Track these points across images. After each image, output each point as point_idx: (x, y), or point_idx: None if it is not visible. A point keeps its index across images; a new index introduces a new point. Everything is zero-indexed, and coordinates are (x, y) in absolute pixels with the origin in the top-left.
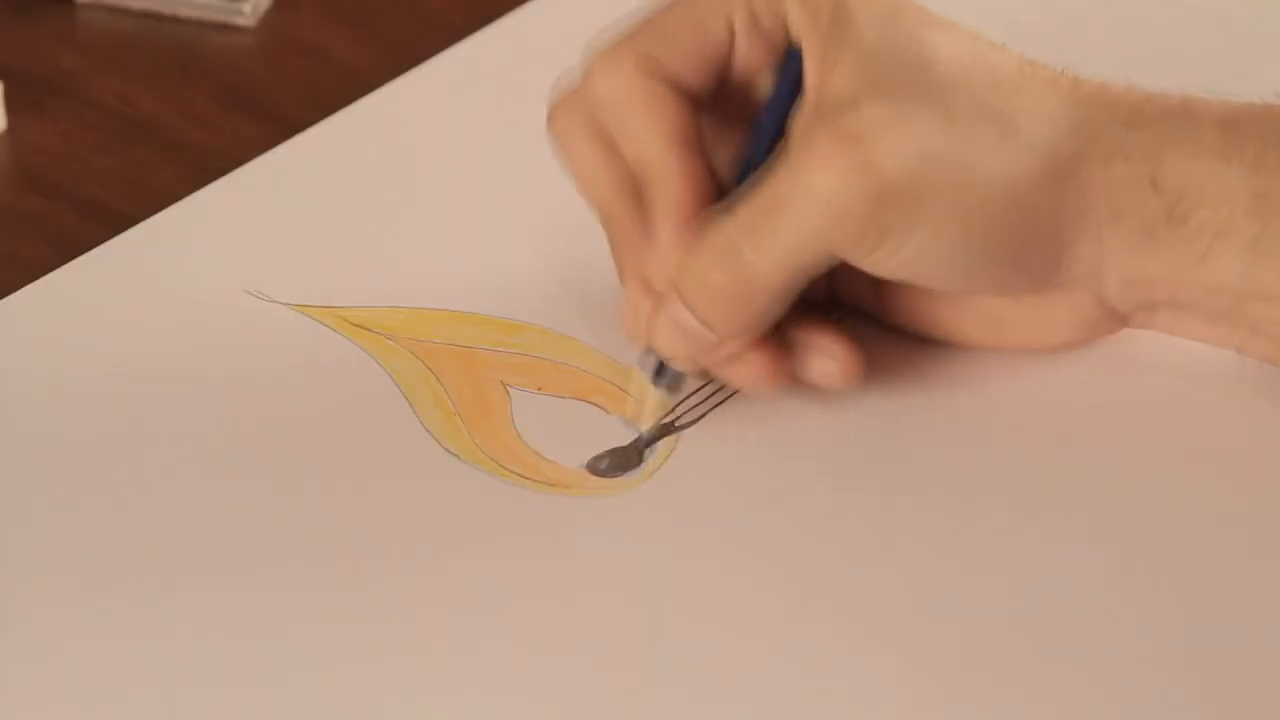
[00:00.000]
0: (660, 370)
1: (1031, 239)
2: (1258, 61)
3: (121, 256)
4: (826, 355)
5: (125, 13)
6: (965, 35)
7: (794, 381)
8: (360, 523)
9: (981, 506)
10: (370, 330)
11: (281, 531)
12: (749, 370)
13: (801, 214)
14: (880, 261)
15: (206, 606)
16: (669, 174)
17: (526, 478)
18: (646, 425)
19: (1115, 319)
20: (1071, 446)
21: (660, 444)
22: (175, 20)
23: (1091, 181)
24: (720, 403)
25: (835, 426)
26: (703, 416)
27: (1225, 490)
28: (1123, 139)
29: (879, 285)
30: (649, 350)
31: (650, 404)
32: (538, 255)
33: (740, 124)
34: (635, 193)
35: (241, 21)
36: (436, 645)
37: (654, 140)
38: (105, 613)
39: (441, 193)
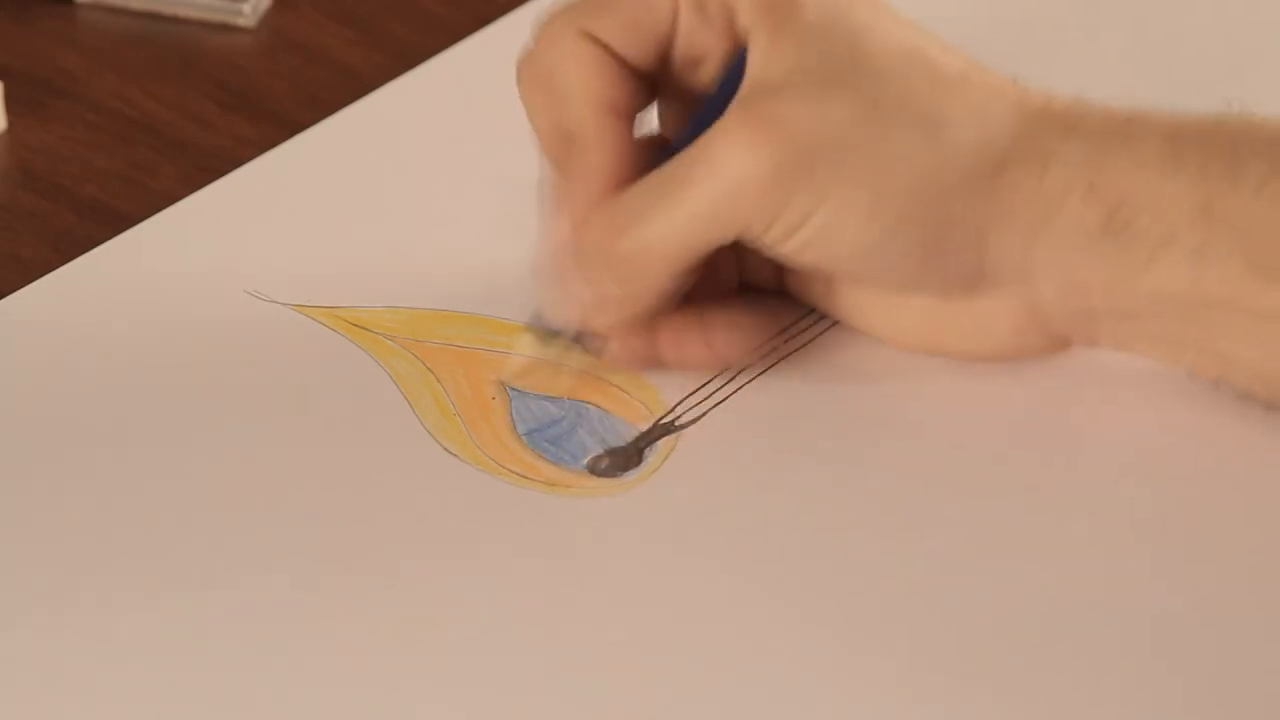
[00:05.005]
0: (539, 324)
1: (948, 235)
2: (1256, 63)
3: (121, 256)
4: (734, 327)
5: (125, 13)
6: (914, 33)
7: (658, 365)
8: (360, 523)
9: (982, 506)
10: (370, 330)
11: (281, 531)
12: (617, 350)
13: (704, 187)
14: (776, 242)
15: (206, 606)
16: (590, 140)
17: (526, 477)
18: (511, 376)
19: (1052, 333)
20: (1073, 446)
21: (660, 444)
22: (175, 20)
23: (1021, 185)
24: (720, 403)
25: (835, 426)
26: (703, 416)
27: (1225, 492)
28: (1060, 147)
29: (827, 281)
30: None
31: (526, 357)
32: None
33: (686, 106)
34: (569, 149)
35: (241, 21)
36: (436, 645)
37: (582, 105)
38: (105, 611)
39: (441, 193)
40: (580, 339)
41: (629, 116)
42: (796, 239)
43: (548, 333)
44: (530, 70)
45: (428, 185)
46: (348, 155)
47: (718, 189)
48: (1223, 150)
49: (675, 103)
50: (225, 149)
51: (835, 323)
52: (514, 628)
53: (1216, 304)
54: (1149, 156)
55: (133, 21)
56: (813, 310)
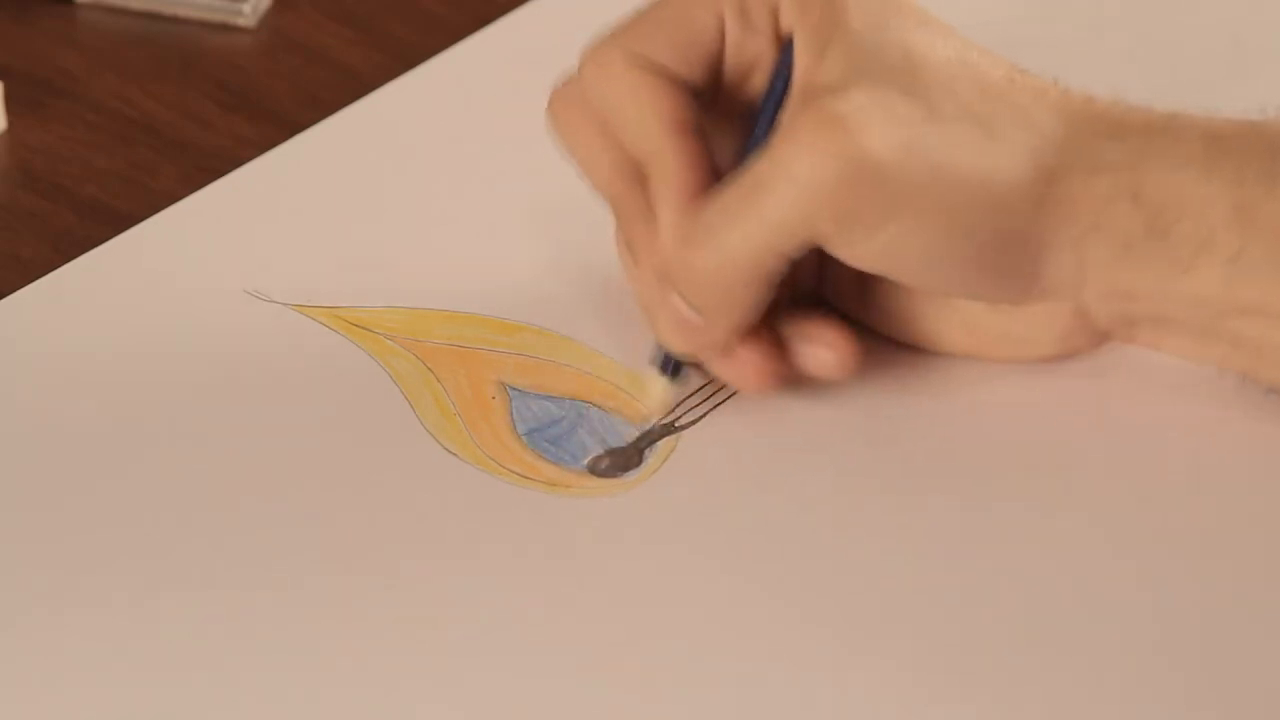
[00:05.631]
0: (666, 361)
1: (1010, 244)
2: (1258, 66)
3: (121, 256)
4: (821, 344)
5: (125, 13)
6: (956, 39)
7: (791, 380)
8: (360, 522)
9: (983, 506)
10: (370, 330)
11: (281, 531)
12: (742, 367)
13: (781, 195)
14: (855, 248)
15: (205, 606)
16: (667, 158)
17: (526, 477)
18: (656, 417)
19: (1095, 334)
20: (1074, 448)
21: (660, 444)
22: (175, 20)
23: (1072, 192)
24: (720, 403)
25: (835, 426)
26: (703, 416)
27: (1223, 494)
28: (1106, 150)
29: (863, 288)
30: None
31: (657, 395)
32: (537, 255)
33: (742, 117)
34: (639, 179)
35: (241, 21)
36: (436, 645)
37: (651, 127)
38: (104, 610)
39: (441, 193)
40: (690, 359)
41: (699, 132)
42: (873, 246)
43: (663, 361)
44: (580, 108)
45: (428, 185)
46: (348, 155)
47: (796, 193)
48: (1260, 155)
49: (729, 116)
50: (225, 149)
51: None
52: (514, 628)
53: (1250, 309)
54: (1188, 160)
55: (133, 21)
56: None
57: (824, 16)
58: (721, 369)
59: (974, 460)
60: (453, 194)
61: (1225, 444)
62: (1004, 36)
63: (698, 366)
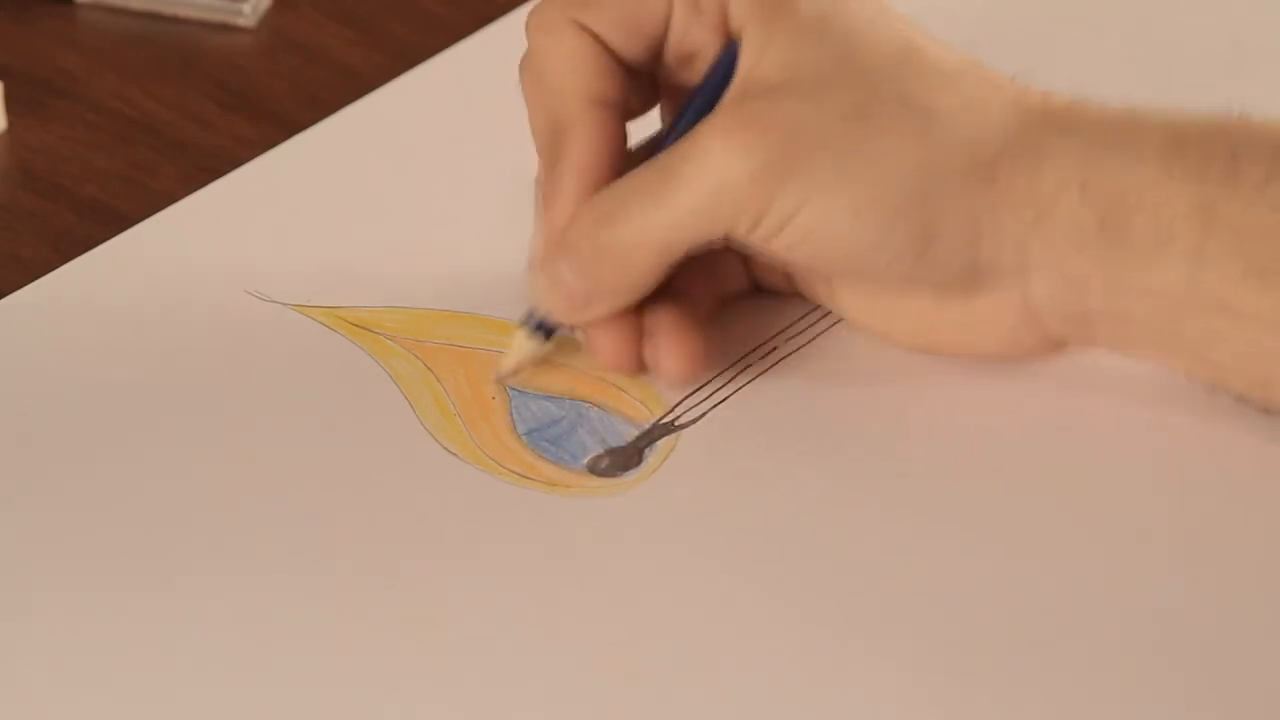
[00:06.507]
0: (536, 322)
1: (941, 234)
2: (1258, 66)
3: (121, 256)
4: (664, 349)
5: (125, 13)
6: (909, 29)
7: (642, 369)
8: (359, 522)
9: (982, 505)
10: (370, 330)
11: (281, 531)
12: (604, 343)
13: (688, 185)
14: (763, 241)
15: (206, 606)
16: (579, 131)
17: (526, 477)
18: (506, 371)
19: (1047, 334)
20: (1072, 446)
21: (660, 444)
22: (175, 20)
23: (1013, 185)
24: (720, 402)
25: (835, 425)
26: (703, 416)
27: (1223, 492)
28: (1056, 145)
29: (814, 277)
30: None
31: (519, 353)
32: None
33: (675, 101)
34: (560, 141)
35: (241, 21)
36: (435, 645)
37: (571, 98)
38: (104, 610)
39: (441, 193)
40: (570, 333)
41: (618, 109)
42: (783, 237)
43: (539, 328)
44: (526, 64)
45: (428, 185)
46: (348, 155)
47: (703, 186)
48: (1222, 152)
49: (664, 98)
50: (225, 149)
51: (836, 321)
52: (514, 627)
53: (1213, 307)
54: (1146, 156)
55: (133, 21)
56: (814, 309)
57: (772, 5)
58: (586, 337)
59: (974, 459)
60: (453, 194)
61: (1217, 448)
62: (1004, 37)
63: (565, 330)
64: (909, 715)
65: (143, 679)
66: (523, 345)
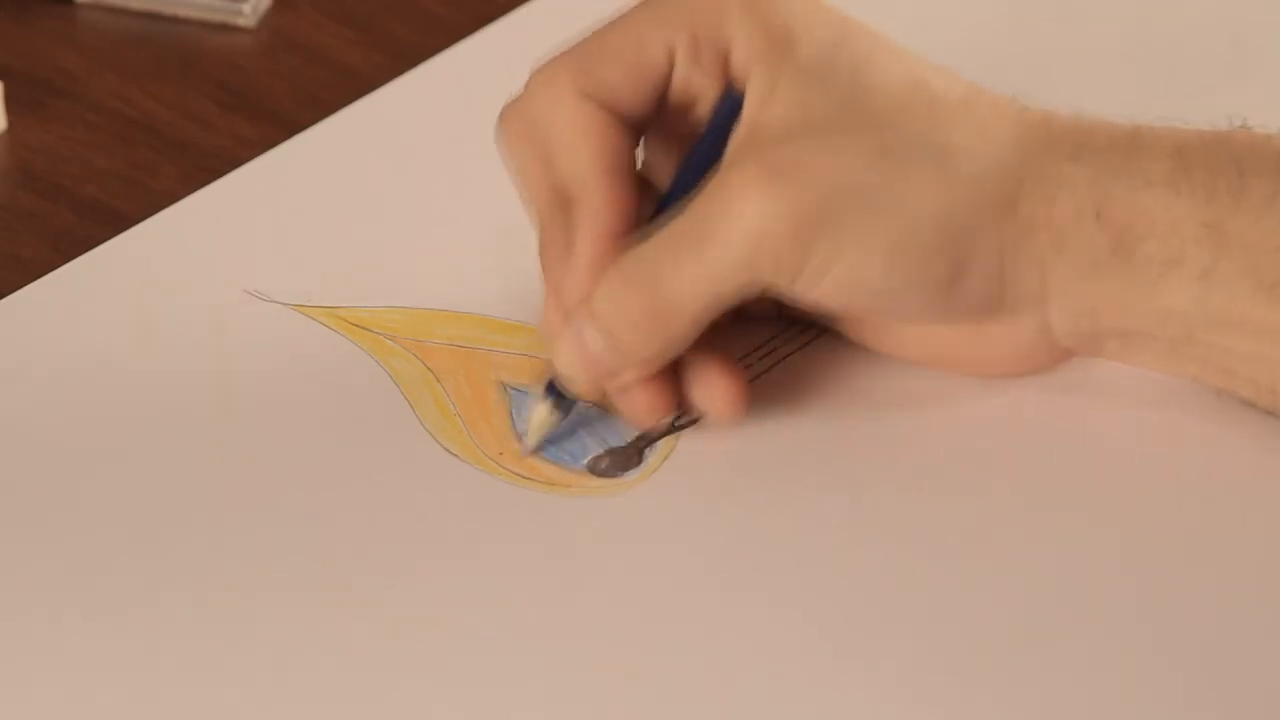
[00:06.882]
0: (555, 391)
1: (969, 270)
2: (1258, 66)
3: (121, 256)
4: (711, 388)
5: (125, 13)
6: (910, 63)
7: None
8: (359, 522)
9: (981, 508)
10: (370, 330)
11: (281, 531)
12: (636, 403)
13: (724, 241)
14: (804, 290)
15: (205, 605)
16: (593, 195)
17: (526, 477)
18: (531, 446)
19: (1058, 350)
20: (1073, 451)
21: (660, 444)
22: (175, 20)
23: (1033, 215)
24: None
25: (834, 426)
26: (702, 416)
27: (1225, 494)
28: (1067, 172)
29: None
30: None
31: (536, 423)
32: (538, 256)
33: (677, 145)
34: (566, 206)
35: (241, 21)
36: (435, 645)
37: (582, 160)
38: (103, 611)
39: (441, 193)
40: (586, 396)
41: (631, 171)
42: (822, 286)
43: (561, 399)
44: (522, 126)
45: (428, 185)
46: (348, 155)
47: (739, 239)
48: (1227, 168)
49: (663, 142)
50: (225, 149)
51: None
52: (514, 627)
53: (1223, 322)
54: (1155, 176)
55: (133, 21)
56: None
57: (774, 48)
58: (616, 403)
59: (974, 462)
60: (453, 194)
61: (1215, 451)
62: (1004, 38)
63: (587, 401)
64: (909, 715)
65: (142, 679)
66: (545, 420)
